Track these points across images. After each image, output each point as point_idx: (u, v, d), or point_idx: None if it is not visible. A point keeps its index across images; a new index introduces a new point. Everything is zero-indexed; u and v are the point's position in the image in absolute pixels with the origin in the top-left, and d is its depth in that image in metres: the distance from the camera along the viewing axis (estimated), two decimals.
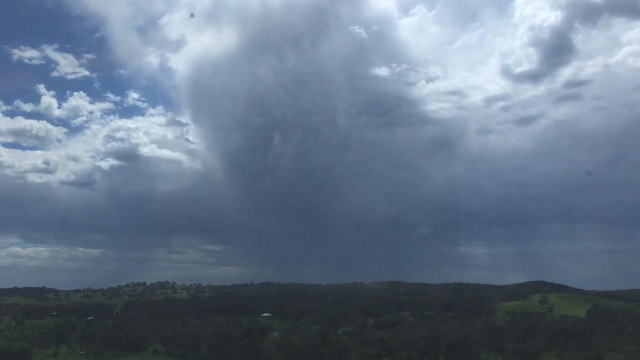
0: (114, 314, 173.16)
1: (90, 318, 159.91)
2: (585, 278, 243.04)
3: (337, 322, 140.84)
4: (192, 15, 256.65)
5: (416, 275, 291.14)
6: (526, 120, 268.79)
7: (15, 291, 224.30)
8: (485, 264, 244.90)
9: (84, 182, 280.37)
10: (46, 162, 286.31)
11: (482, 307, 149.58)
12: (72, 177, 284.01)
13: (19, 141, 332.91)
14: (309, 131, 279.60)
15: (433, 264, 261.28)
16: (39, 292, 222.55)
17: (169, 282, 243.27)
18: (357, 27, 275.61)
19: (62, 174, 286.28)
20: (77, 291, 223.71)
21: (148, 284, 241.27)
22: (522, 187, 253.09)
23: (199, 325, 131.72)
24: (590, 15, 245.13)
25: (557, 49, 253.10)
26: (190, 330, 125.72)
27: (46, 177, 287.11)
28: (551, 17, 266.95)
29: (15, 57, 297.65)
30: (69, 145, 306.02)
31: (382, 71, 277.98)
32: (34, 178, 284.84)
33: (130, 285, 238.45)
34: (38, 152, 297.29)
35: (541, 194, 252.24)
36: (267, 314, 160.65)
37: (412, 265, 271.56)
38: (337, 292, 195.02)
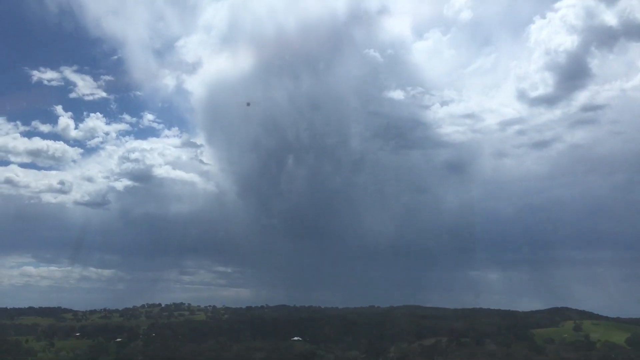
0: (140, 335, 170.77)
1: (119, 339, 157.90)
2: (607, 304, 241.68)
3: (375, 347, 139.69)
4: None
5: (433, 299, 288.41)
6: (541, 144, 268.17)
7: (31, 311, 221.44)
8: (501, 288, 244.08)
9: (98, 202, 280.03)
10: (61, 183, 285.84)
11: (519, 334, 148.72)
12: (87, 198, 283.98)
13: (36, 161, 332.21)
14: (323, 154, 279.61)
15: (449, 288, 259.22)
16: (56, 312, 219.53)
17: (184, 304, 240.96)
18: (372, 50, 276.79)
19: (76, 194, 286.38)
20: (93, 312, 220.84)
21: (163, 305, 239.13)
22: (537, 211, 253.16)
23: (240, 348, 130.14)
24: (606, 40, 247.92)
25: (573, 73, 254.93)
26: (233, 353, 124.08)
27: (61, 197, 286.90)
28: (567, 41, 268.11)
29: (34, 79, 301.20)
30: (84, 166, 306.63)
31: (397, 94, 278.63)
32: (49, 198, 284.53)
33: (146, 306, 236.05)
34: (53, 172, 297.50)
35: (557, 218, 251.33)
36: (298, 338, 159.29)
37: (428, 289, 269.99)
38: (359, 316, 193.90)
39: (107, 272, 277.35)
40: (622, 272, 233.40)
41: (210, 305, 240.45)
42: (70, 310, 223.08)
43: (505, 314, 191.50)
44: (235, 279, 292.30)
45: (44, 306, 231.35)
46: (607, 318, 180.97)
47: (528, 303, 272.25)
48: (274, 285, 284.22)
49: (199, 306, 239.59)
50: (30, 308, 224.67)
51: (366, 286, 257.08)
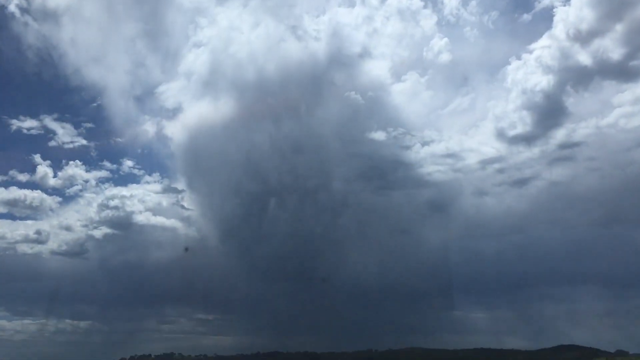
0: None
1: None
2: (595, 340, 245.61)
3: None
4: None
5: (427, 340, 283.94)
6: (521, 182, 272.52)
7: None
8: (486, 327, 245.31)
9: (76, 252, 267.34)
10: (38, 232, 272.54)
11: None
12: (64, 247, 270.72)
13: (12, 211, 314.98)
14: (306, 196, 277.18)
15: (438, 329, 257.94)
16: None
17: (175, 354, 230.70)
18: (353, 92, 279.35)
19: (53, 244, 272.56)
20: None
21: (153, 355, 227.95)
22: (518, 249, 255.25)
23: None
24: (581, 79, 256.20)
25: (550, 112, 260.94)
26: None
27: (37, 248, 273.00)
28: (543, 81, 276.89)
29: (13, 128, 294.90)
30: (62, 215, 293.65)
31: (379, 135, 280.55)
32: (25, 249, 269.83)
33: (136, 357, 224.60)
34: (30, 222, 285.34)
35: (538, 255, 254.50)
36: None
37: (419, 330, 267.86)
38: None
39: (83, 324, 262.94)
40: (604, 308, 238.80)
41: (202, 354, 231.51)
42: None
43: (513, 353, 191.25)
44: (216, 327, 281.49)
45: None
46: (608, 353, 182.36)
47: (514, 342, 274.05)
48: (257, 331, 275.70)
49: (190, 355, 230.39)
50: None
51: (355, 329, 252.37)
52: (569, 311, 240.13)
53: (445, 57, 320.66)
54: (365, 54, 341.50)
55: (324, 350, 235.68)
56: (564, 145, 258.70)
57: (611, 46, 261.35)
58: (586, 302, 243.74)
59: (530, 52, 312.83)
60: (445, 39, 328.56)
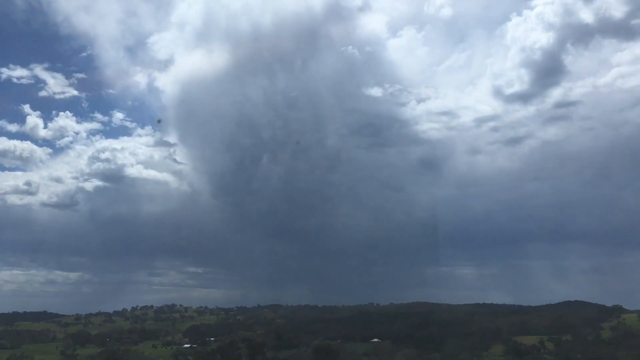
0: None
1: (187, 346, 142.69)
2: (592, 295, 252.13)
3: (481, 346, 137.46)
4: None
5: (427, 294, 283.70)
6: (515, 141, 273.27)
7: (17, 316, 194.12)
8: (475, 284, 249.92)
9: (66, 203, 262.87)
10: (28, 184, 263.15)
11: (587, 329, 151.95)
12: (54, 199, 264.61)
13: (2, 162, 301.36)
14: (299, 152, 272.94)
15: (435, 284, 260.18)
16: (47, 317, 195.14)
17: (176, 305, 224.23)
18: (350, 47, 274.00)
19: (43, 196, 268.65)
20: (90, 315, 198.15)
21: (155, 306, 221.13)
22: (509, 207, 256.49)
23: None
24: (582, 37, 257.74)
25: (548, 70, 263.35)
26: None
27: (27, 199, 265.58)
28: (543, 38, 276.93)
29: (3, 76, 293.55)
30: (53, 166, 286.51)
31: (375, 91, 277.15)
32: (14, 200, 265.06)
33: (138, 308, 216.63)
34: (19, 173, 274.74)
35: (528, 214, 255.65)
36: (377, 340, 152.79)
37: (417, 286, 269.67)
38: (387, 313, 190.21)
39: (73, 275, 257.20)
40: (593, 264, 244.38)
41: (203, 306, 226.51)
42: (58, 315, 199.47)
43: (525, 309, 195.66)
44: (205, 280, 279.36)
45: (19, 311, 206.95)
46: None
47: (502, 297, 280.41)
48: (250, 285, 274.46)
49: (191, 307, 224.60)
50: (15, 313, 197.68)
51: (352, 284, 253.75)
52: (558, 267, 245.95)
53: (446, 11, 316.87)
54: (365, 7, 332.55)
55: (324, 304, 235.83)
56: (559, 104, 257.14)
57: (614, 3, 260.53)
58: (571, 259, 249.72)
59: (532, 8, 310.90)
60: None
